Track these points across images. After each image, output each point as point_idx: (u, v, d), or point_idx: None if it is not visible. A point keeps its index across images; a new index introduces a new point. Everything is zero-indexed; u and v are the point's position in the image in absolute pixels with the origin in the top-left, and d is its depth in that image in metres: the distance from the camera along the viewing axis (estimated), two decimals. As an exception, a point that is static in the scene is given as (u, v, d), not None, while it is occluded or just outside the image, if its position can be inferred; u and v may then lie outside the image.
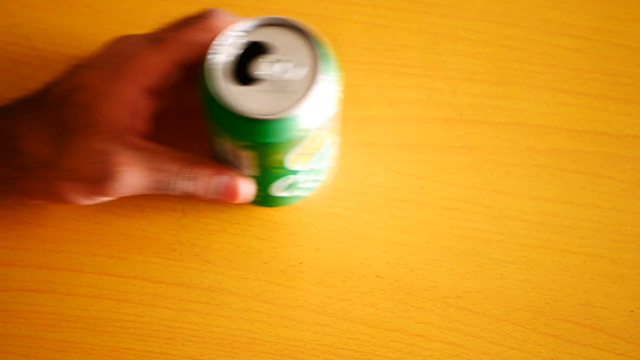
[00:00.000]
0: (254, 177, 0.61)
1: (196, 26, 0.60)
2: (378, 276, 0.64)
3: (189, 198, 0.61)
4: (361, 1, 0.72)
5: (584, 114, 0.69)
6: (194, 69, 0.59)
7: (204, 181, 0.60)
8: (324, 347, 0.63)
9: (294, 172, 0.61)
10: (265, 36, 0.57)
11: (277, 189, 0.62)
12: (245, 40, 0.57)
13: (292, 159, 0.59)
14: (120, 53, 0.60)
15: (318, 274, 0.65)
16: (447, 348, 0.63)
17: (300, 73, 0.56)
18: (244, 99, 0.56)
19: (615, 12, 0.71)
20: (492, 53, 0.70)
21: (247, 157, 0.58)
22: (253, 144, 0.57)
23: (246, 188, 0.61)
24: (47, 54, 0.70)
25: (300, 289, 0.64)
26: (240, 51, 0.57)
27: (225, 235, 0.66)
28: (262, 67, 0.56)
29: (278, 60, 0.56)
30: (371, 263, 0.65)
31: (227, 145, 0.58)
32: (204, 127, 0.60)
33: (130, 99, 0.59)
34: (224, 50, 0.57)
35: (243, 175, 0.60)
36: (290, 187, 0.62)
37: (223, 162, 0.61)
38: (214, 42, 0.56)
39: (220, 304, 0.64)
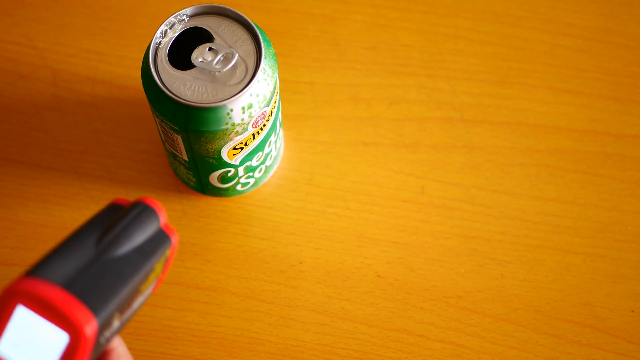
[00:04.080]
0: (189, 162, 0.61)
1: None
2: (378, 276, 0.64)
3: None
4: (361, 1, 0.72)
5: (584, 113, 0.69)
6: None
7: None
8: (324, 347, 0.63)
9: (226, 165, 0.61)
10: (209, 24, 0.58)
11: (212, 179, 0.63)
12: (188, 26, 0.57)
13: (222, 151, 0.59)
14: None
15: (318, 273, 0.65)
16: (447, 348, 0.63)
17: (237, 67, 0.56)
18: (177, 83, 0.56)
19: (615, 12, 0.71)
20: (493, 53, 0.70)
21: (179, 141, 0.59)
22: (180, 128, 0.57)
23: None
24: (47, 54, 0.70)
25: (301, 289, 0.64)
26: (184, 36, 0.57)
27: (225, 235, 0.66)
28: (201, 55, 0.57)
29: (218, 50, 0.57)
30: (371, 263, 0.65)
31: (163, 126, 0.59)
32: None
33: None
34: (170, 33, 0.57)
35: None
36: (224, 179, 0.62)
37: (164, 142, 0.61)
38: (163, 24, 0.57)
39: (221, 304, 0.64)
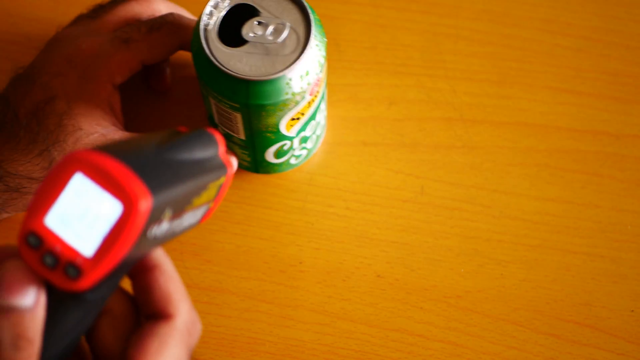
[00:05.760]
0: (245, 140, 0.61)
1: (164, 31, 0.61)
2: (378, 276, 0.64)
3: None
4: (361, 1, 0.72)
5: (584, 113, 0.69)
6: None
7: None
8: (324, 347, 0.63)
9: (283, 138, 0.61)
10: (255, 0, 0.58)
11: (268, 155, 0.63)
12: (233, 3, 0.58)
13: (281, 123, 0.59)
14: (85, 53, 0.60)
15: (318, 273, 0.65)
16: (447, 348, 0.63)
17: (288, 36, 0.57)
18: (233, 61, 0.56)
19: (615, 12, 0.71)
20: (492, 52, 0.70)
21: (237, 119, 0.59)
22: (241, 105, 0.57)
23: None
24: (47, 54, 0.70)
25: (301, 289, 0.64)
26: (229, 13, 0.58)
27: (225, 235, 0.66)
28: (251, 30, 0.57)
29: (267, 23, 0.57)
30: (371, 263, 0.65)
31: (220, 107, 0.59)
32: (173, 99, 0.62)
33: (105, 97, 0.60)
34: (216, 13, 0.57)
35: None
36: (280, 153, 0.63)
37: (217, 125, 0.62)
38: (207, 5, 0.57)
39: (221, 304, 0.64)
